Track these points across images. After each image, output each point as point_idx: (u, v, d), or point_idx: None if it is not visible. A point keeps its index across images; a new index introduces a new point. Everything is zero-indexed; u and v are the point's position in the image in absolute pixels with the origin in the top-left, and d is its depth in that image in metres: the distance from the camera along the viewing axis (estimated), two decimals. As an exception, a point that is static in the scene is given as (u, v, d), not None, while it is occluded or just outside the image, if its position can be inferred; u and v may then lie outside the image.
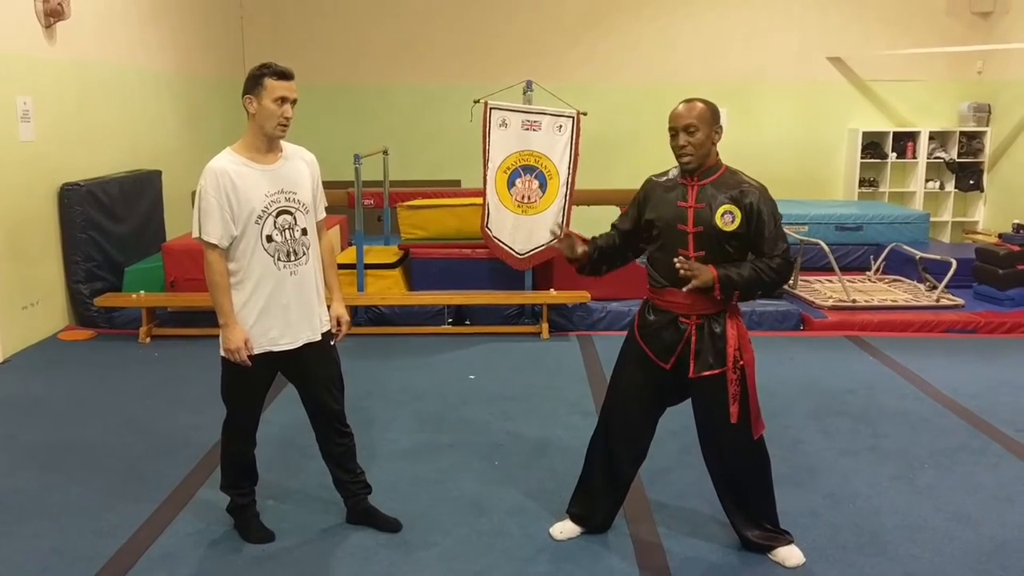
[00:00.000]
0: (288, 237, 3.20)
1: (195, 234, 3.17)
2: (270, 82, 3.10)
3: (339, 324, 3.43)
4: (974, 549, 3.39)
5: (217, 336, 3.21)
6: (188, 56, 8.91)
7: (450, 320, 6.80)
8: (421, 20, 10.52)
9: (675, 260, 3.09)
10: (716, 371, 3.14)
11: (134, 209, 7.28)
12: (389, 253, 7.26)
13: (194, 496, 3.83)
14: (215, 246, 3.12)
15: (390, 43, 10.55)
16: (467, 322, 6.83)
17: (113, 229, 6.87)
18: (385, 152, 8.09)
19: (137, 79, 7.82)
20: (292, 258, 3.22)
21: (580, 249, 3.32)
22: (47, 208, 6.41)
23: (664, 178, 3.27)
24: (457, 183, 9.88)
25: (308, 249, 3.27)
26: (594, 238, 3.40)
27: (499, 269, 6.78)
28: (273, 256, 3.18)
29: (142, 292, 6.51)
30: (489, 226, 6.61)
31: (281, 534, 3.48)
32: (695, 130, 3.08)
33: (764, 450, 3.28)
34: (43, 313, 6.37)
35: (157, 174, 7.84)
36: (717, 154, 3.19)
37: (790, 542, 3.32)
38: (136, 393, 5.27)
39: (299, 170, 3.27)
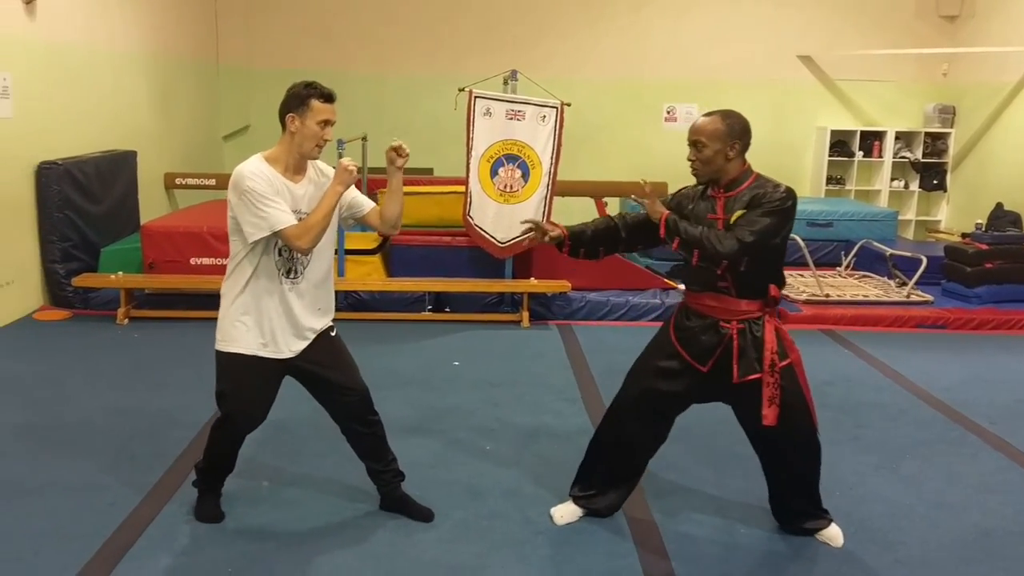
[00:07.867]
0: (291, 255, 3.18)
1: (261, 235, 3.04)
2: (316, 104, 3.05)
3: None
4: (959, 537, 3.50)
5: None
6: (162, 37, 8.75)
7: (429, 307, 6.80)
8: (400, 7, 10.45)
9: (640, 187, 3.23)
10: (760, 375, 3.16)
11: (109, 189, 7.16)
12: (369, 239, 7.21)
13: (189, 475, 3.80)
14: (292, 226, 3.05)
15: (366, 30, 10.45)
16: (447, 309, 6.84)
17: (89, 209, 6.76)
18: (364, 139, 8.05)
19: (111, 58, 7.66)
20: (291, 275, 3.20)
21: (554, 232, 3.35)
22: (24, 186, 6.28)
23: (695, 189, 3.31)
24: (430, 171, 9.84)
25: (305, 268, 3.22)
26: (584, 224, 3.42)
27: (479, 257, 6.79)
28: (279, 269, 3.17)
29: (120, 273, 6.42)
30: (471, 214, 6.62)
31: (280, 515, 3.49)
32: (703, 146, 3.12)
33: (818, 440, 3.34)
34: (18, 292, 6.25)
35: (132, 154, 7.71)
36: (744, 164, 3.18)
37: (831, 521, 3.42)
38: (118, 374, 5.20)
39: (317, 197, 3.19)
